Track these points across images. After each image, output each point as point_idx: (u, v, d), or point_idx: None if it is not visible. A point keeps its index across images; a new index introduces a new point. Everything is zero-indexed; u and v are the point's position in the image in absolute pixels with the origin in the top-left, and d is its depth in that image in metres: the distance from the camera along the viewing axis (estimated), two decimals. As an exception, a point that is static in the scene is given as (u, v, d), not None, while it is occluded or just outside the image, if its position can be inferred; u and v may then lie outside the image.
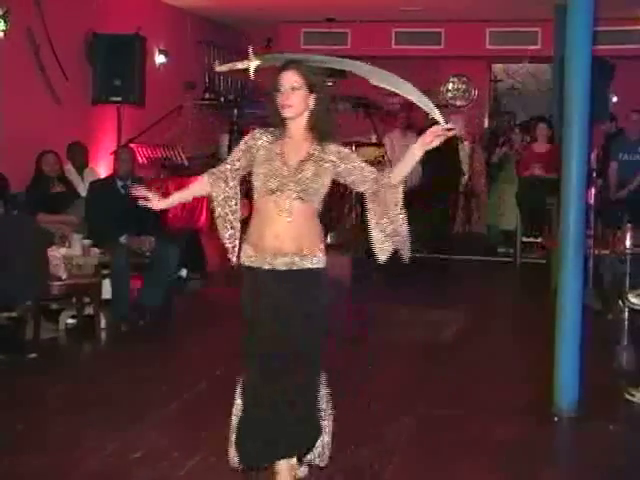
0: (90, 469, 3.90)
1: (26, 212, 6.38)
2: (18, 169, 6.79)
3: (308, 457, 3.65)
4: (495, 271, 9.62)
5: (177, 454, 4.02)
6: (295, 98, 3.41)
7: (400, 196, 3.51)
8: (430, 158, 10.91)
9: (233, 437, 3.55)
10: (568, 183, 4.67)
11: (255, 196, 3.55)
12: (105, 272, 6.37)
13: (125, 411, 4.52)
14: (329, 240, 8.93)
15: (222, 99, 11.24)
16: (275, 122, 3.49)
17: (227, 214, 3.64)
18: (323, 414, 3.63)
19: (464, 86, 12.40)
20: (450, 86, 12.41)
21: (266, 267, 3.44)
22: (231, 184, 3.63)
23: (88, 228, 6.62)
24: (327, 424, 3.66)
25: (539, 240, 9.48)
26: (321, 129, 3.46)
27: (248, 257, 3.50)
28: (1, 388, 5.07)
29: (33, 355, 5.54)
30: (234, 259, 3.58)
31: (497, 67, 13.12)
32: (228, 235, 3.61)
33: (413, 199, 9.67)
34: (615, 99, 10.88)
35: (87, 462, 3.96)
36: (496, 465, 4.10)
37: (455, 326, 6.84)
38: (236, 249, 3.58)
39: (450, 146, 10.49)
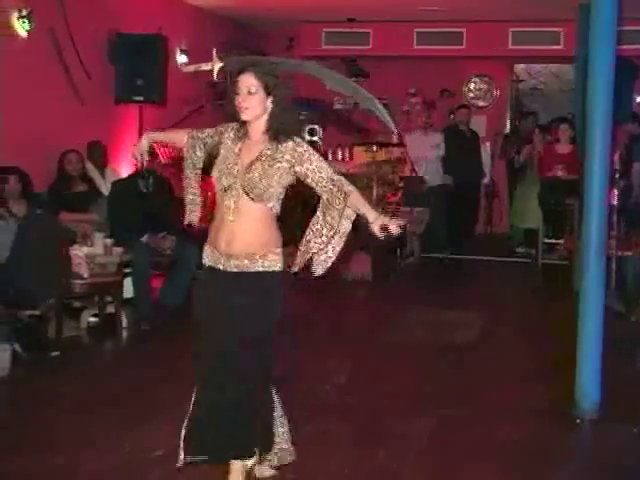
0: (109, 467, 3.93)
1: (49, 211, 6.42)
2: (41, 168, 6.84)
3: (268, 458, 3.68)
4: (516, 272, 9.57)
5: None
6: (252, 101, 3.44)
7: (347, 214, 3.44)
8: (450, 158, 10.95)
9: (182, 433, 3.58)
10: (590, 184, 4.64)
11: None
12: (127, 271, 6.40)
13: (145, 409, 4.55)
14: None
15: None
16: (244, 125, 3.54)
17: (191, 178, 3.68)
18: (275, 416, 3.67)
19: (486, 86, 12.35)
20: (472, 86, 12.37)
21: (220, 267, 3.49)
22: (199, 154, 3.67)
23: (110, 227, 6.66)
24: (279, 426, 3.70)
25: (560, 241, 9.43)
26: (278, 130, 3.46)
27: (207, 256, 3.56)
28: (24, 386, 5.11)
29: (55, 353, 5.58)
30: (186, 221, 3.66)
31: (519, 67, 13.06)
32: (189, 199, 3.67)
33: (434, 198, 9.80)
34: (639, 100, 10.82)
35: (106, 460, 3.99)
36: (513, 467, 4.09)
37: (474, 327, 6.82)
38: (193, 215, 3.65)
39: (471, 146, 10.48)
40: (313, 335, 6.45)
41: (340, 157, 11.33)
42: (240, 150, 3.51)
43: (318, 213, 3.48)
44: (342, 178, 3.47)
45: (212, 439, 3.50)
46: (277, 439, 3.70)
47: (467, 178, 10.29)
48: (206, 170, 3.67)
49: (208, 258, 3.55)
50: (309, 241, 3.48)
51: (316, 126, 10.84)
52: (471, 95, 12.34)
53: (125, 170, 8.14)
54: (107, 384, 5.12)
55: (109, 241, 6.30)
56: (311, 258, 3.49)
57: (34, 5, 6.93)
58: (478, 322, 6.97)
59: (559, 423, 4.64)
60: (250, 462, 3.62)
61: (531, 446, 4.32)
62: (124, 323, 6.31)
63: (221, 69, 3.77)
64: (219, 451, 3.54)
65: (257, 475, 3.75)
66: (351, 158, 11.03)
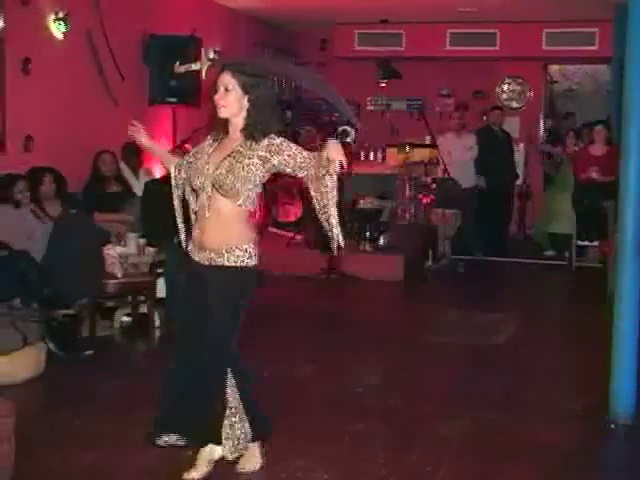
0: (140, 466, 3.95)
1: (83, 211, 6.47)
2: (75, 169, 6.90)
3: (227, 446, 3.79)
4: (550, 275, 9.49)
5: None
6: (228, 98, 3.56)
7: (334, 179, 3.46)
8: (483, 160, 10.89)
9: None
10: (626, 186, 4.59)
11: None
12: (160, 271, 6.43)
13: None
14: (381, 242, 8.92)
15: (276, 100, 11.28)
16: (216, 122, 3.66)
17: (178, 206, 3.83)
18: (231, 406, 3.76)
19: (519, 88, 12.27)
20: (505, 87, 12.29)
21: (196, 259, 3.67)
22: (184, 175, 3.78)
23: (143, 227, 6.70)
24: (236, 417, 3.78)
25: (595, 244, 9.34)
26: (253, 127, 3.55)
27: (189, 247, 3.74)
28: (58, 384, 5.16)
29: (89, 352, 5.62)
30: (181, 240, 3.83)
31: (553, 68, 12.96)
32: (178, 223, 3.84)
33: (467, 200, 9.75)
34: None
35: (137, 460, 4.00)
36: (547, 471, 4.06)
37: (509, 329, 6.77)
38: (181, 233, 3.82)
39: (504, 148, 10.41)
40: (349, 336, 6.45)
41: (372, 158, 11.35)
42: (215, 150, 3.65)
43: (313, 193, 3.53)
44: (312, 155, 3.53)
45: (181, 418, 3.70)
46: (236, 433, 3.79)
47: (500, 180, 10.22)
48: None
49: (189, 249, 3.74)
50: (325, 220, 3.52)
51: (348, 127, 10.82)
52: (504, 96, 12.26)
53: (158, 171, 8.19)
54: (140, 383, 5.14)
55: (142, 241, 6.34)
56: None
57: (70, 7, 7.00)
58: (513, 324, 6.92)
59: (593, 428, 4.59)
60: (217, 452, 3.79)
61: (565, 451, 4.28)
62: (157, 323, 6.34)
63: (209, 68, 3.90)
64: (186, 431, 3.72)
65: (245, 468, 3.85)
66: (384, 159, 11.03)
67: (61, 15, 6.93)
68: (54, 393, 5.06)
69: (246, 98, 3.56)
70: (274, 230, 9.93)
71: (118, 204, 7.02)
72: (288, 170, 3.55)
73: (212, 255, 3.59)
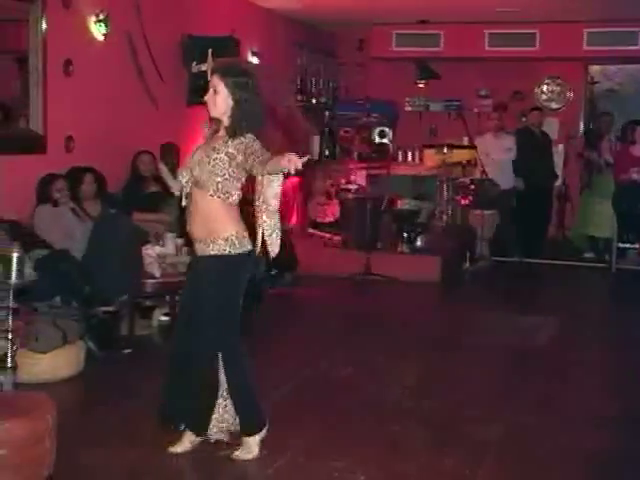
0: (179, 464, 3.97)
1: (122, 211, 6.52)
2: (115, 169, 6.96)
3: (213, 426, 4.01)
4: (589, 277, 9.40)
5: (266, 452, 4.05)
6: (216, 99, 3.85)
7: (277, 185, 3.81)
8: (522, 161, 10.81)
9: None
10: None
11: None
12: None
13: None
14: (419, 243, 8.89)
15: (314, 101, 11.30)
16: (212, 121, 3.95)
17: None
18: (219, 393, 3.99)
19: (559, 88, 12.14)
20: (544, 88, 12.16)
21: (195, 250, 3.96)
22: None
23: (181, 227, 6.73)
24: (226, 400, 4.00)
25: (635, 245, 9.22)
26: (234, 126, 3.80)
27: None
28: (97, 382, 5.21)
29: (128, 350, 5.66)
30: None
31: (594, 69, 12.80)
32: None
33: (505, 201, 9.68)
34: None
35: (177, 457, 4.02)
36: (586, 477, 4.02)
37: (550, 331, 6.72)
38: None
39: (543, 149, 10.32)
40: (387, 337, 6.44)
41: (410, 159, 11.32)
42: (202, 147, 3.94)
43: (259, 195, 3.86)
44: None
45: (176, 405, 3.96)
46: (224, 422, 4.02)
47: (539, 181, 10.12)
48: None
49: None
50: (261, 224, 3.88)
51: (386, 128, 10.81)
52: (544, 97, 12.14)
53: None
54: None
55: (180, 241, 6.37)
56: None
57: (111, 9, 7.06)
58: (554, 327, 6.87)
59: (634, 433, 4.53)
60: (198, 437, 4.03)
61: (605, 456, 4.23)
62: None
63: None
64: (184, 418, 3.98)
65: (239, 456, 3.98)
66: (421, 160, 11.00)
67: (101, 17, 6.99)
68: (93, 391, 5.11)
69: (230, 98, 3.82)
70: (312, 231, 9.94)
71: (157, 204, 7.05)
72: (248, 167, 3.75)
73: (202, 245, 3.86)
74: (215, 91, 3.85)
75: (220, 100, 3.84)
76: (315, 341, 6.36)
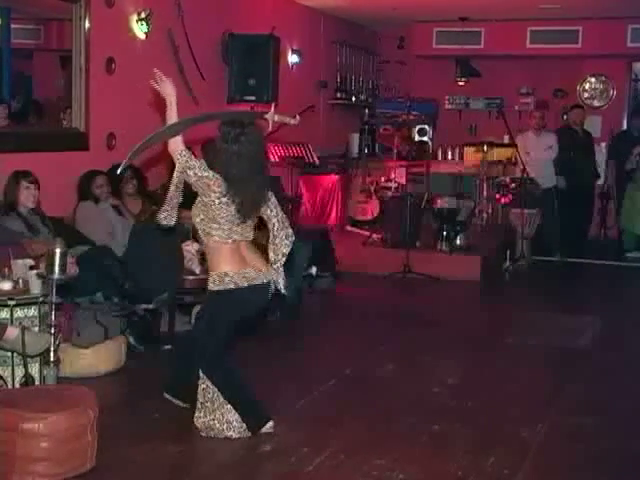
0: (221, 460, 3.99)
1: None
2: (156, 167, 7.00)
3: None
4: (631, 277, 9.27)
5: (306, 450, 4.05)
6: None
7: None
8: (564, 159, 10.67)
9: None
10: None
11: None
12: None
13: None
14: (458, 241, 8.82)
15: (353, 99, 11.29)
16: None
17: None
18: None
19: (602, 86, 11.98)
20: (587, 86, 12.01)
21: None
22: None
23: (221, 224, 6.74)
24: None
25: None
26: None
27: None
28: (137, 377, 5.24)
29: (168, 347, 5.69)
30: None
31: (638, 66, 12.61)
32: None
33: (546, 200, 9.58)
34: None
35: (218, 453, 4.04)
36: None
37: (596, 332, 6.64)
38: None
39: (585, 147, 10.19)
40: (428, 336, 6.42)
41: (450, 157, 11.25)
42: None
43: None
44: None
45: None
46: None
47: (580, 180, 10.01)
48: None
49: None
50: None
51: (426, 126, 10.75)
52: (586, 95, 11.99)
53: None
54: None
55: (221, 238, 6.37)
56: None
57: (152, 8, 7.10)
58: (598, 327, 6.78)
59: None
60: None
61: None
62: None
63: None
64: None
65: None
66: (461, 158, 10.93)
67: (143, 15, 7.04)
68: (134, 386, 5.13)
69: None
70: (351, 229, 9.93)
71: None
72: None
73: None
74: None
75: None
76: (356, 339, 6.34)
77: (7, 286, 4.48)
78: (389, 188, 9.57)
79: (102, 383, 4.94)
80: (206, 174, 4.07)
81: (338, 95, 11.06)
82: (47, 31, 6.93)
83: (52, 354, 4.22)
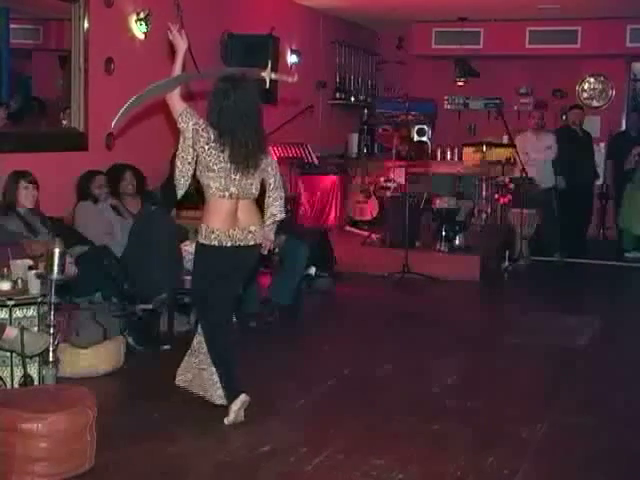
0: (220, 460, 3.98)
1: (162, 208, 6.55)
2: (155, 166, 7.00)
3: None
4: (630, 277, 9.27)
5: (305, 449, 4.05)
6: None
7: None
8: (563, 159, 10.67)
9: None
10: None
11: None
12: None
13: (254, 406, 4.56)
14: (457, 241, 8.82)
15: (352, 99, 11.29)
16: None
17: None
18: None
19: (601, 86, 11.98)
20: (586, 86, 12.01)
21: None
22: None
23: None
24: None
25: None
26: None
27: None
28: (136, 378, 5.24)
29: (167, 347, 5.68)
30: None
31: (637, 66, 12.62)
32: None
33: (546, 200, 9.58)
34: None
35: (217, 453, 4.04)
36: (631, 479, 3.95)
37: (589, 331, 6.63)
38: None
39: (584, 148, 10.19)
40: (427, 336, 6.41)
41: (449, 157, 11.25)
42: None
43: None
44: None
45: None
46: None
47: (579, 180, 10.01)
48: None
49: None
50: None
51: (425, 126, 10.76)
52: (585, 95, 11.99)
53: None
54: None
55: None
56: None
57: (152, 7, 7.10)
58: (598, 327, 6.78)
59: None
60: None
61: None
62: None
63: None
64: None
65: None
66: (460, 158, 10.93)
67: (142, 15, 7.04)
68: (133, 386, 5.13)
69: None
70: (350, 229, 9.92)
71: (196, 201, 7.07)
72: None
73: None
74: None
75: None
76: (356, 339, 6.34)
77: (6, 286, 4.48)
78: (388, 188, 9.57)
79: (101, 383, 4.93)
80: (195, 120, 4.28)
81: (337, 95, 11.06)
82: (46, 31, 6.93)
83: (51, 354, 4.21)
